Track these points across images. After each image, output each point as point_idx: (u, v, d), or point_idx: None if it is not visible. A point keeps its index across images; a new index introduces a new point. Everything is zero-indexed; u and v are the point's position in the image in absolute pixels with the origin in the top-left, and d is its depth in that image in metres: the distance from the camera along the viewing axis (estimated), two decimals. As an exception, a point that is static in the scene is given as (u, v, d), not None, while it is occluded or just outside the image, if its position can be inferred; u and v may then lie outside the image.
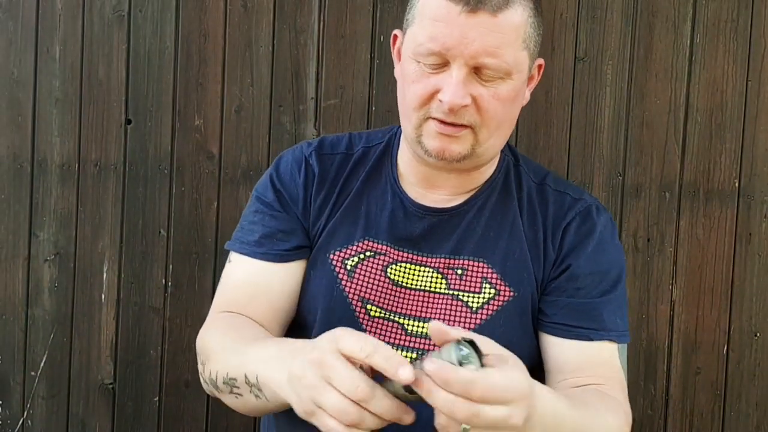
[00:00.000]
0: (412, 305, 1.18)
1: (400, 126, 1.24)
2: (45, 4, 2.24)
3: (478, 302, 1.17)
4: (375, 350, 0.76)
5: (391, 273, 1.18)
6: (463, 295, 1.17)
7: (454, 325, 1.12)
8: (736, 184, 1.96)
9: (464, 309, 1.16)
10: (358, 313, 1.18)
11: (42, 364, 2.29)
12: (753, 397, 1.98)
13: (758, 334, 1.97)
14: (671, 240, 1.98)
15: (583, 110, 2.00)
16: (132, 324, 2.24)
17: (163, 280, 2.21)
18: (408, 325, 1.17)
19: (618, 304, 1.19)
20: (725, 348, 1.98)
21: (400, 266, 1.19)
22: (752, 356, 1.98)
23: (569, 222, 1.20)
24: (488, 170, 1.23)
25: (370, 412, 0.76)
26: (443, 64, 1.06)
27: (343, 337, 0.79)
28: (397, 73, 1.19)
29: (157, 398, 2.23)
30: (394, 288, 1.18)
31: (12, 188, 2.29)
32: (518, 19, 1.05)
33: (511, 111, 1.12)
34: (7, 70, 2.27)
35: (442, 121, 1.08)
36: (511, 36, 1.05)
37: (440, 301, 1.17)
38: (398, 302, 1.18)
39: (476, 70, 1.05)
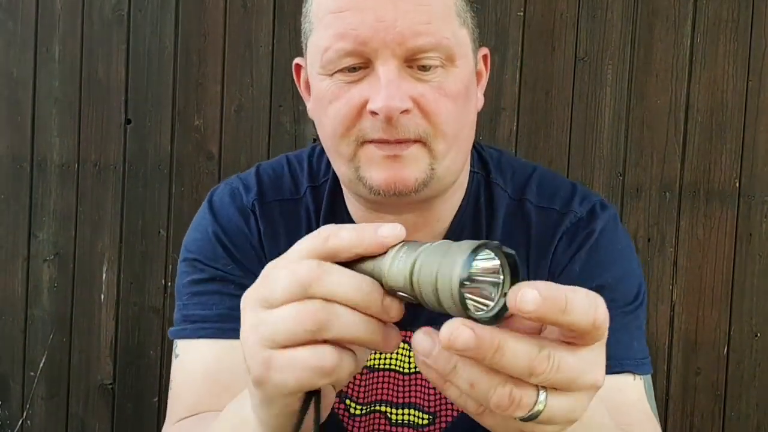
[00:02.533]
0: (393, 390, 0.98)
1: None
2: (45, 4, 2.24)
3: None
4: (337, 230, 0.55)
5: (368, 361, 0.98)
6: None
7: (439, 413, 0.97)
8: (737, 184, 1.95)
9: None
10: (337, 410, 0.99)
11: (41, 365, 2.29)
12: (753, 398, 1.98)
13: (758, 335, 1.97)
14: (671, 240, 1.98)
15: (583, 110, 2.00)
16: (132, 324, 2.24)
17: (163, 280, 2.21)
18: (391, 413, 0.97)
19: (633, 324, 0.94)
20: (725, 348, 1.98)
21: None
22: (752, 357, 1.97)
23: (556, 245, 0.96)
24: (456, 198, 0.97)
25: (324, 299, 0.53)
26: (364, 67, 0.83)
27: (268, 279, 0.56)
28: (310, 111, 0.94)
29: (156, 398, 2.22)
30: (371, 374, 0.98)
31: (11, 188, 2.29)
32: None
33: (465, 112, 0.88)
34: (7, 70, 2.27)
35: (382, 141, 0.83)
36: (440, 8, 0.83)
37: (421, 382, 0.98)
38: (377, 389, 0.98)
39: (409, 63, 0.83)
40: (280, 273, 0.54)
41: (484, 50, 0.95)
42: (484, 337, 0.47)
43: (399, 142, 0.83)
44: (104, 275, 2.24)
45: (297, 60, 0.97)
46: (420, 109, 0.83)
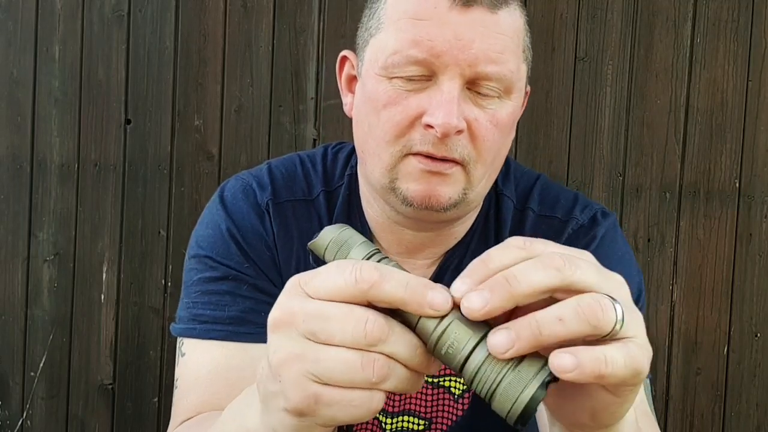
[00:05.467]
0: (389, 398, 0.97)
1: (355, 165, 1.00)
2: (45, 4, 2.24)
3: (461, 387, 0.97)
4: (381, 277, 0.52)
5: None
6: (444, 380, 0.98)
7: (436, 419, 0.98)
8: (737, 185, 1.95)
9: (447, 396, 0.98)
10: None
11: (41, 365, 2.29)
12: (753, 398, 1.98)
13: (759, 335, 1.97)
14: (672, 240, 1.98)
15: (583, 110, 2.00)
16: (132, 324, 2.24)
17: (163, 280, 2.21)
18: (386, 423, 0.98)
19: None
20: (726, 348, 1.98)
21: None
22: (753, 357, 1.97)
23: None
24: (473, 217, 0.98)
25: (386, 355, 0.53)
26: (427, 78, 0.83)
27: (310, 282, 0.54)
28: (348, 108, 0.94)
29: (156, 398, 2.22)
30: None
31: (12, 188, 2.29)
32: (518, 21, 0.85)
33: (506, 143, 0.89)
34: (7, 70, 2.27)
35: (429, 156, 0.83)
36: (513, 40, 0.84)
37: (420, 389, 0.97)
38: None
39: (469, 85, 0.83)
40: (336, 314, 0.53)
41: (528, 87, 0.95)
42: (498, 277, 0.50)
43: (444, 160, 0.83)
44: (104, 275, 2.24)
45: (345, 52, 0.95)
46: (470, 133, 0.83)
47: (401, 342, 0.53)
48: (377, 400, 0.54)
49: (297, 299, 0.54)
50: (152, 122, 2.20)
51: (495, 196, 1.01)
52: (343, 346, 0.52)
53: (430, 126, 0.82)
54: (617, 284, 0.54)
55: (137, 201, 2.22)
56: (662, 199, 1.98)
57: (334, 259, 0.56)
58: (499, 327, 0.50)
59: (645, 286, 1.96)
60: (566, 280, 0.50)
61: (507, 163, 1.04)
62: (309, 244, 0.58)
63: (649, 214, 1.99)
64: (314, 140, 2.10)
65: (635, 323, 0.53)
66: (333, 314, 0.53)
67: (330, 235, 0.57)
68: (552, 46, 2.00)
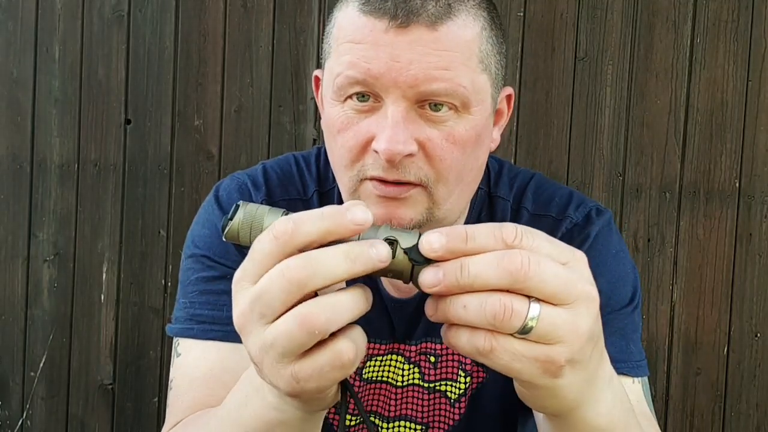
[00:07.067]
0: (385, 403, 1.00)
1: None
2: (45, 4, 2.24)
3: (457, 391, 0.98)
4: (296, 222, 0.52)
5: (366, 373, 0.99)
6: (440, 385, 0.99)
7: (432, 424, 0.99)
8: (737, 185, 1.95)
9: (443, 401, 0.99)
10: (332, 420, 0.98)
11: (41, 365, 2.29)
12: (753, 398, 1.98)
13: (759, 335, 1.97)
14: (672, 240, 1.98)
15: (583, 110, 2.00)
16: (131, 324, 2.24)
17: (163, 281, 2.21)
18: (382, 427, 0.99)
19: (629, 327, 0.95)
20: (726, 348, 1.98)
21: (375, 360, 0.99)
22: (753, 357, 1.97)
23: None
24: (460, 221, 0.97)
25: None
26: (376, 99, 0.81)
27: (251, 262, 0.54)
28: (323, 124, 0.93)
29: (156, 399, 2.22)
30: (366, 386, 1.00)
31: (11, 188, 2.29)
32: (468, 32, 0.81)
33: (473, 157, 0.85)
34: (7, 70, 2.27)
35: (382, 181, 0.82)
36: (461, 53, 0.80)
37: (414, 395, 1.00)
38: (371, 401, 1.00)
39: (421, 105, 0.80)
40: (265, 285, 0.52)
41: (508, 90, 0.92)
42: (451, 232, 0.52)
43: (398, 183, 0.81)
44: (104, 275, 2.24)
45: (317, 72, 0.94)
46: (425, 153, 0.81)
47: (324, 263, 0.51)
48: (344, 351, 0.53)
49: (241, 296, 0.54)
50: (152, 122, 2.20)
51: (488, 199, 1.00)
52: (283, 312, 0.52)
53: (376, 151, 0.80)
54: (584, 302, 0.54)
55: (137, 201, 2.22)
56: (662, 199, 1.98)
57: (251, 240, 0.55)
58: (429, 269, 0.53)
59: (645, 286, 1.97)
60: (517, 284, 0.51)
61: (500, 164, 1.03)
62: (223, 237, 0.57)
63: (649, 214, 1.99)
64: (314, 140, 2.10)
65: (566, 332, 0.53)
66: (263, 288, 0.52)
67: (236, 219, 0.56)
68: (552, 46, 2.00)
